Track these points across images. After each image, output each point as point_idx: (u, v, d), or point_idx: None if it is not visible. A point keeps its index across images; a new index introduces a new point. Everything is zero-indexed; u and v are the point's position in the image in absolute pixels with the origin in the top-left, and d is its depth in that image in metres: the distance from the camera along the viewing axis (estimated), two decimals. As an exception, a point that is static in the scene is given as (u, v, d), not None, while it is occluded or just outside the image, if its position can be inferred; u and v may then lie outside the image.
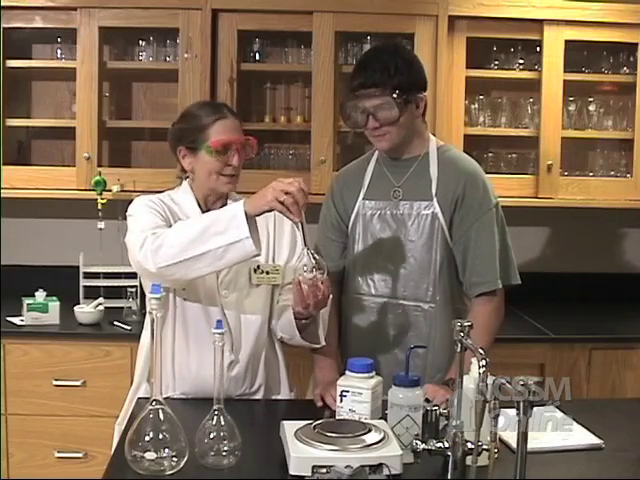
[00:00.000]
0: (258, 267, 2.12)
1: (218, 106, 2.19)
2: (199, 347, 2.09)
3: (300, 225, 1.87)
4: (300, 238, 1.95)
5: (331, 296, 1.99)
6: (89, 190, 3.22)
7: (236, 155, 2.07)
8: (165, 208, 2.10)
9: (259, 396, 2.18)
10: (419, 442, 1.61)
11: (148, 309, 1.68)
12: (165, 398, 1.69)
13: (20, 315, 3.10)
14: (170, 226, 2.04)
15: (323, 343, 2.13)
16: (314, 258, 1.89)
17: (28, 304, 3.08)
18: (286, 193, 1.82)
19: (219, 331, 1.63)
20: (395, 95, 2.10)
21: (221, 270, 2.03)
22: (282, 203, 1.83)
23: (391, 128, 2.14)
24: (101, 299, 3.19)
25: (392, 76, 2.10)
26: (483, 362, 1.47)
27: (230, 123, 2.10)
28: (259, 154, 3.33)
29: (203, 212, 2.14)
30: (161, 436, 1.58)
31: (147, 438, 1.58)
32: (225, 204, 2.16)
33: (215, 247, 1.88)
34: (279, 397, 2.23)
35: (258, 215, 1.90)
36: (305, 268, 1.89)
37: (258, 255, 1.94)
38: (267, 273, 2.12)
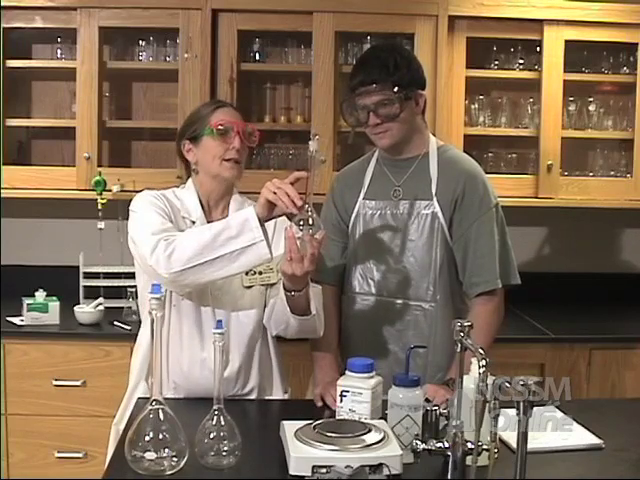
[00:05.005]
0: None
1: (217, 100, 2.27)
2: (191, 347, 2.09)
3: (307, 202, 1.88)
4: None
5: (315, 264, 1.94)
6: (89, 190, 3.22)
7: (237, 137, 2.10)
8: (167, 204, 2.11)
9: (252, 397, 2.16)
10: (419, 442, 1.60)
11: (148, 309, 1.67)
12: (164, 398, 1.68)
13: (20, 315, 3.10)
14: (172, 222, 2.05)
15: (320, 334, 2.12)
16: (311, 216, 1.88)
17: (28, 304, 3.08)
18: (278, 188, 1.87)
19: (219, 331, 1.63)
20: (395, 91, 2.10)
21: None
22: (275, 193, 1.87)
23: (392, 124, 2.14)
24: (101, 299, 3.19)
25: (391, 73, 2.11)
26: (483, 362, 1.47)
27: (229, 111, 2.16)
28: (259, 151, 3.34)
29: (204, 211, 2.15)
30: (161, 436, 1.58)
31: (147, 438, 1.58)
32: (228, 203, 2.17)
33: (229, 251, 1.90)
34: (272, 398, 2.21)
35: (267, 220, 1.92)
36: (302, 223, 1.87)
37: (270, 260, 1.95)
38: (260, 273, 2.11)
